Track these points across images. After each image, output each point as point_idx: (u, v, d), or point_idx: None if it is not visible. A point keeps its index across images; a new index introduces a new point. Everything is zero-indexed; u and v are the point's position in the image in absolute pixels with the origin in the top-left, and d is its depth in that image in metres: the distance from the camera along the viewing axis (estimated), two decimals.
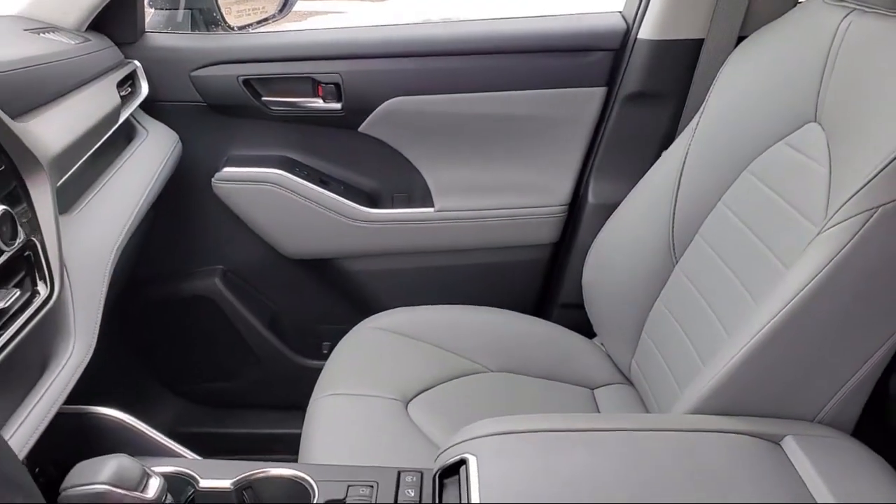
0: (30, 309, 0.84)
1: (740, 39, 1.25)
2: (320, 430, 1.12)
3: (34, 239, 0.88)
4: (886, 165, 0.79)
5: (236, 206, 1.51)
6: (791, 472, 0.78)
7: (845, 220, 0.81)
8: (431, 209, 1.52)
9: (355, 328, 1.37)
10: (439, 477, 0.81)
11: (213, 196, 1.50)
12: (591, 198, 1.47)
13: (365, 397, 1.18)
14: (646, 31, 1.35)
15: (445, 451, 0.83)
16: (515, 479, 0.75)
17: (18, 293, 0.83)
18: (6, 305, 0.80)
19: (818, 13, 1.04)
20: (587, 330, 1.40)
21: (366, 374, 1.24)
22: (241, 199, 1.50)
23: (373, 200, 1.55)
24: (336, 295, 1.62)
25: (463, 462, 0.78)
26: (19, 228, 0.85)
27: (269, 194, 1.48)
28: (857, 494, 0.74)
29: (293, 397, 1.39)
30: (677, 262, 1.20)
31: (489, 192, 1.51)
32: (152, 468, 0.75)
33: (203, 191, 1.50)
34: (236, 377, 1.66)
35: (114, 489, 0.68)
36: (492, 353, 1.32)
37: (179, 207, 1.50)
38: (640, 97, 1.40)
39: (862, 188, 0.80)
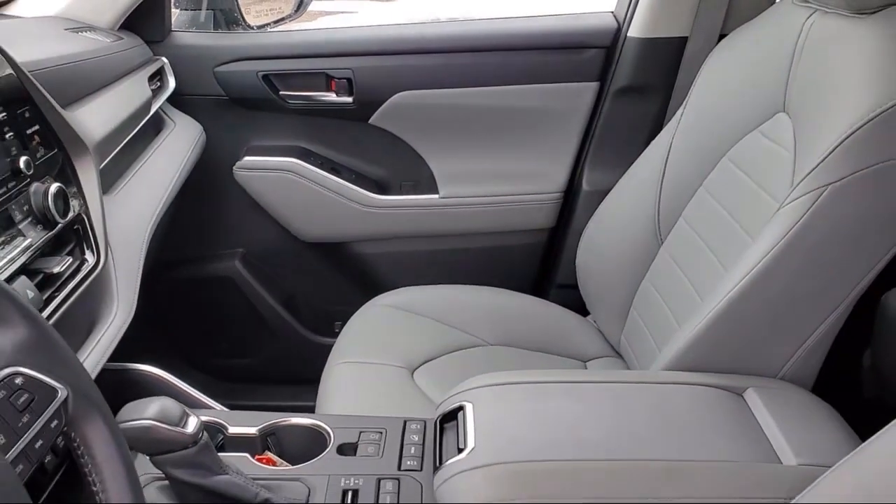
0: (79, 275, 0.95)
1: (722, 37, 1.35)
2: (334, 393, 1.22)
3: (82, 214, 0.99)
4: (835, 148, 0.89)
5: (255, 192, 1.61)
6: (750, 418, 0.88)
7: (800, 196, 0.91)
8: (436, 196, 1.62)
9: (366, 305, 1.47)
10: (440, 422, 0.91)
11: (234, 183, 1.61)
12: (585, 185, 1.57)
13: (374, 365, 1.28)
14: (635, 30, 1.45)
15: (445, 400, 0.93)
16: (505, 421, 0.86)
17: (71, 260, 0.94)
18: (61, 270, 0.91)
19: (788, 13, 1.13)
20: (581, 309, 1.49)
21: (375, 345, 1.34)
22: (260, 186, 1.61)
23: (382, 187, 1.65)
24: (347, 276, 1.72)
25: (461, 408, 0.89)
26: (71, 204, 0.96)
27: (286, 182, 1.59)
28: (807, 438, 0.84)
29: (307, 373, 1.47)
30: (662, 243, 1.30)
31: (490, 179, 1.61)
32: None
33: (225, 178, 1.61)
34: (254, 354, 1.77)
35: (158, 424, 0.79)
36: (491, 329, 1.41)
37: (203, 194, 1.60)
38: (630, 91, 1.50)
39: (814, 168, 0.91)
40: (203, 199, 1.62)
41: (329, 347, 1.38)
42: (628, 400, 0.90)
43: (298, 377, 1.69)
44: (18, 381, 0.55)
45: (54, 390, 0.57)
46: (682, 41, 1.43)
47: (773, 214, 0.95)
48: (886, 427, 0.64)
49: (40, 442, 0.55)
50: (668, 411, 0.88)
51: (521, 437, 0.83)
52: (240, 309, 1.71)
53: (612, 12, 1.54)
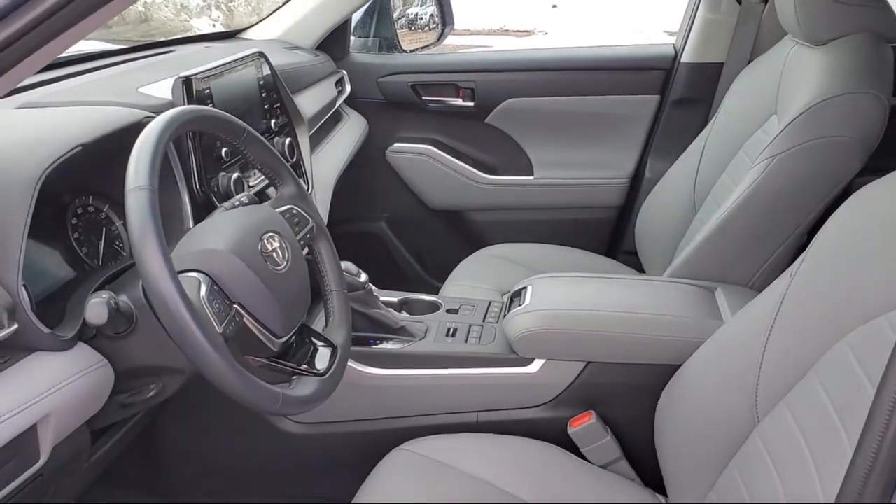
0: None
1: (750, 62, 1.80)
2: None
3: (300, 160, 1.59)
4: (782, 130, 1.34)
5: (400, 170, 2.19)
6: (712, 301, 1.34)
7: (760, 162, 1.37)
8: (531, 177, 2.14)
9: (473, 254, 1.99)
10: (510, 297, 1.43)
11: (386, 163, 2.19)
12: (647, 172, 2.04)
13: (476, 287, 1.81)
14: (686, 57, 1.94)
15: (515, 285, 1.45)
16: (551, 292, 1.36)
17: None
18: None
19: (783, 46, 1.59)
20: (639, 269, 1.96)
21: (478, 277, 1.86)
22: (404, 165, 2.18)
23: (491, 169, 2.18)
24: (462, 236, 2.25)
25: (525, 287, 1.40)
26: (295, 152, 1.56)
27: (423, 163, 2.16)
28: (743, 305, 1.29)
29: None
30: (696, 214, 1.75)
31: (574, 166, 2.12)
32: None
33: (379, 159, 2.19)
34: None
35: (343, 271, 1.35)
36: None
37: (363, 169, 2.17)
38: (683, 102, 1.97)
39: (770, 143, 1.36)
40: (363, 173, 2.19)
41: None
42: (633, 287, 1.39)
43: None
44: (294, 211, 1.12)
45: (308, 220, 1.14)
46: (720, 66, 1.90)
47: (745, 173, 1.41)
48: (771, 284, 1.10)
49: (302, 241, 1.11)
50: (656, 293, 1.36)
51: (559, 298, 1.34)
52: (382, 258, 2.28)
53: (673, 44, 2.02)
